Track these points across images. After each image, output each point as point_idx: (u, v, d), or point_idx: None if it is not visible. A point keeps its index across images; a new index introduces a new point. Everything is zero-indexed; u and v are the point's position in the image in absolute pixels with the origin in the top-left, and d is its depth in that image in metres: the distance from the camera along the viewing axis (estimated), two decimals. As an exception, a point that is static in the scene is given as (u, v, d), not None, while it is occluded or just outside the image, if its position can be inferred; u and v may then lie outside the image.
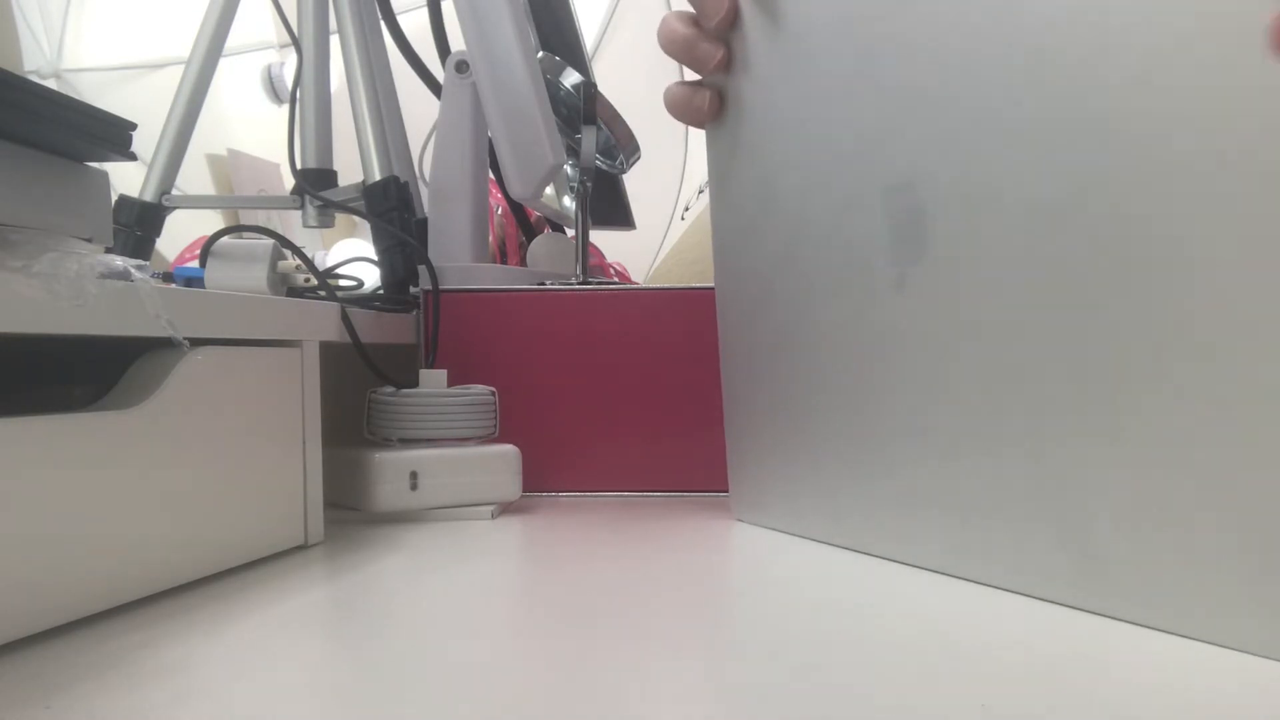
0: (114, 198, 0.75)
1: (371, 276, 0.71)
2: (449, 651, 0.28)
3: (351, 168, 0.75)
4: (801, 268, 0.42)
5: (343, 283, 0.67)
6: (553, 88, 0.69)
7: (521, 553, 0.42)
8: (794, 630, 0.30)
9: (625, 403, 0.58)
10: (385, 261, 0.68)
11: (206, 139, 1.44)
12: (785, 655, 0.27)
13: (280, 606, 0.33)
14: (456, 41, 0.68)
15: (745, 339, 0.47)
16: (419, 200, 0.77)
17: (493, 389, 0.53)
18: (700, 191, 1.65)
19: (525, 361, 0.58)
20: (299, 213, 0.77)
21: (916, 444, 0.37)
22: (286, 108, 0.79)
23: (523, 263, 0.84)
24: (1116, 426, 0.29)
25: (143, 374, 0.34)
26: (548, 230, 0.91)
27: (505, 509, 0.53)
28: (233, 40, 0.80)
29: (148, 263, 0.34)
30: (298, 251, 0.55)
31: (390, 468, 0.48)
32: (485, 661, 0.27)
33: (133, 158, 0.34)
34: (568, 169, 0.79)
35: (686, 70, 0.50)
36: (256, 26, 1.71)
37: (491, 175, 0.75)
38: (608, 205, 1.04)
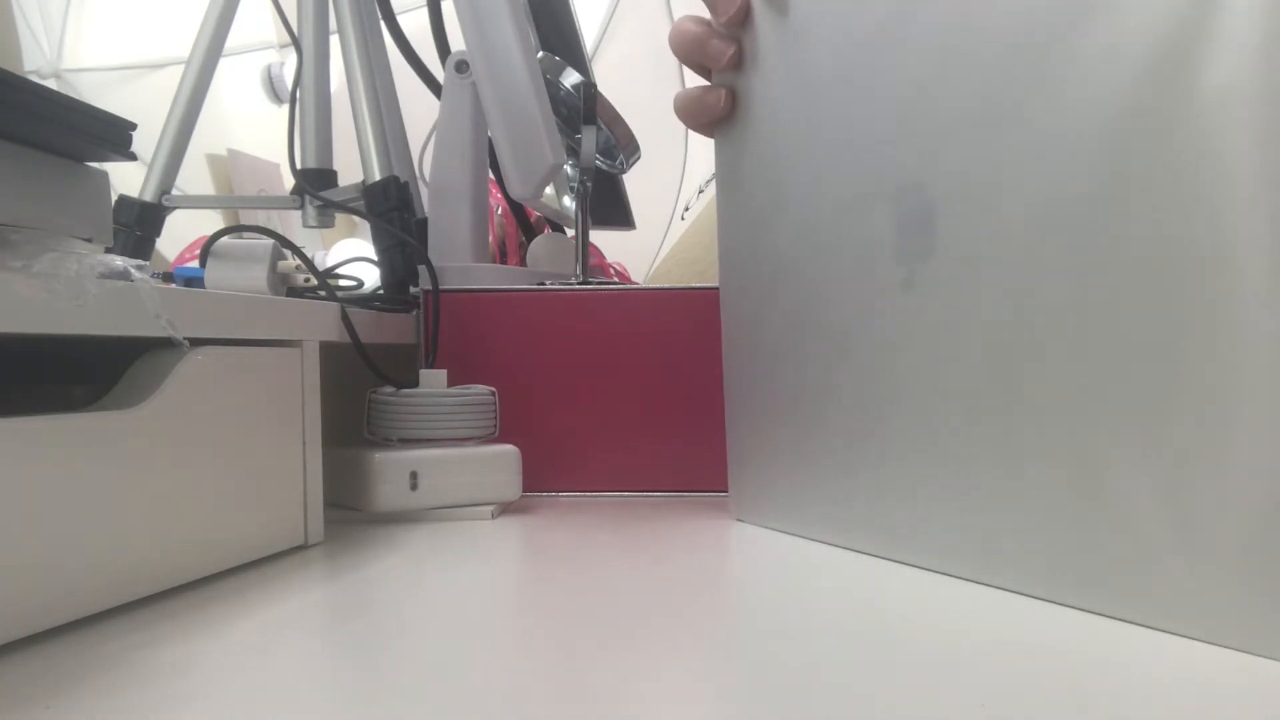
0: (114, 198, 0.75)
1: (371, 276, 0.71)
2: (449, 652, 0.28)
3: (351, 168, 0.75)
4: (809, 266, 0.42)
5: (343, 283, 0.67)
6: (553, 88, 0.69)
7: (521, 553, 0.42)
8: (794, 630, 0.30)
9: (625, 403, 0.58)
10: (385, 261, 0.68)
11: (206, 139, 1.44)
12: (785, 655, 0.27)
13: (280, 607, 0.33)
14: (456, 41, 0.68)
15: (750, 337, 0.47)
16: (419, 200, 0.77)
17: (493, 389, 0.53)
18: (700, 191, 1.65)
19: (525, 361, 0.58)
20: (299, 213, 0.77)
21: (920, 444, 0.37)
22: (286, 108, 0.79)
23: (523, 263, 0.84)
24: (1121, 427, 0.29)
25: (143, 374, 0.34)
26: (548, 230, 0.91)
27: (505, 509, 0.53)
28: (233, 40, 0.81)
29: (148, 263, 0.34)
30: (298, 251, 0.55)
31: (390, 468, 0.48)
32: (485, 661, 0.27)
33: (133, 158, 0.34)
34: (568, 169, 0.79)
35: (688, 73, 0.50)
36: (256, 26, 1.71)
37: (491, 175, 0.75)
38: (608, 205, 1.04)
